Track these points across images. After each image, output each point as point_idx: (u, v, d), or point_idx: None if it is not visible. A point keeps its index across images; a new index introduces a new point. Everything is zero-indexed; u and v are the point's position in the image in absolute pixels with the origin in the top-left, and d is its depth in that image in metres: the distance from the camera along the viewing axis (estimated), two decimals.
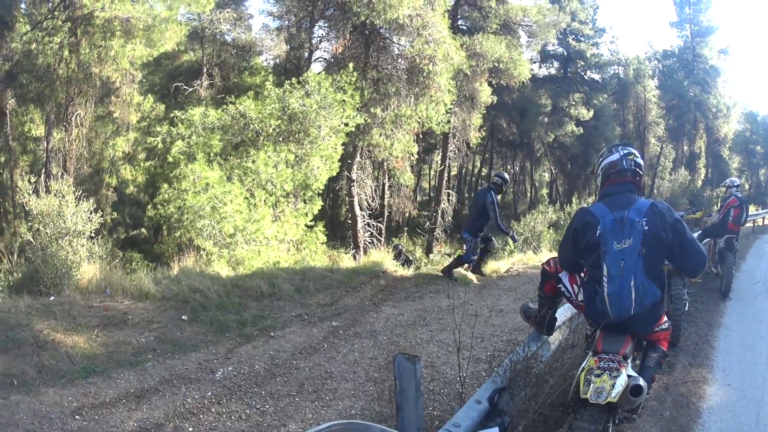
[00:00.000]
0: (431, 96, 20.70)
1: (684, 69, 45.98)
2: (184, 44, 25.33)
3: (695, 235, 9.75)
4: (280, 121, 16.32)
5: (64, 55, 16.67)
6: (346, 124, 17.36)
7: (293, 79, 17.26)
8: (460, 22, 29.98)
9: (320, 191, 17.88)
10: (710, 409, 5.92)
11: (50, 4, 19.00)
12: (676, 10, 46.80)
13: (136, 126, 24.26)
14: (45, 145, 19.58)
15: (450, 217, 31.36)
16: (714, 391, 6.41)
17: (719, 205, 12.71)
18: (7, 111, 20.67)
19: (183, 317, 7.85)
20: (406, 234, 32.61)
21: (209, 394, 5.70)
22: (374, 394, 5.85)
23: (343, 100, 17.19)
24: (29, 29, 18.04)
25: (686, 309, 8.03)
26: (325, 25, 24.28)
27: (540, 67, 44.02)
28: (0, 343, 5.98)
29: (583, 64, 42.91)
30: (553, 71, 44.69)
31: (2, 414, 4.83)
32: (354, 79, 17.85)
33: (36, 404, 5.08)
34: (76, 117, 17.98)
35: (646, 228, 4.09)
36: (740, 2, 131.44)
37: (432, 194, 41.70)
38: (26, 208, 10.93)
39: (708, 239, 11.98)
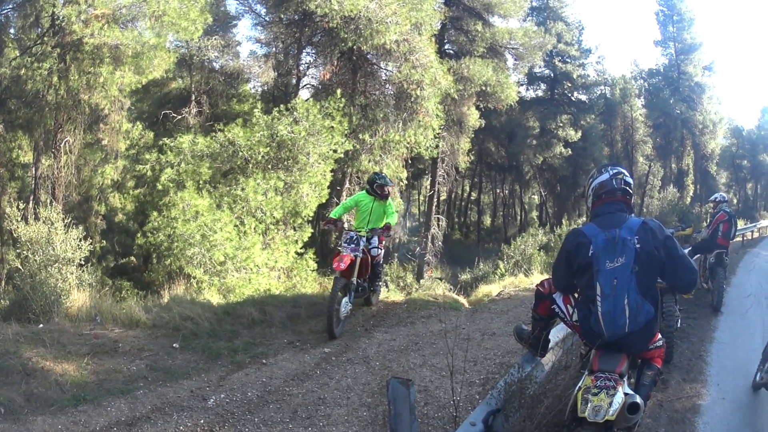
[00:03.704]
0: (419, 121, 20.74)
1: (669, 87, 46.50)
2: (172, 71, 25.24)
3: (685, 251, 9.79)
4: (268, 149, 16.31)
5: (53, 81, 16.62)
6: (335, 151, 17.34)
7: (281, 106, 17.22)
8: (446, 47, 30.26)
9: (310, 218, 17.86)
10: (706, 424, 5.92)
11: (39, 29, 18.95)
12: (660, 28, 47.41)
13: (124, 153, 24.20)
14: (33, 172, 19.45)
15: (440, 242, 31.33)
16: (709, 405, 6.41)
17: (708, 220, 12.77)
18: None
19: (174, 345, 7.80)
20: (396, 260, 32.52)
21: (202, 421, 5.64)
22: (368, 419, 5.80)
23: (332, 127, 17.21)
24: (18, 55, 18.00)
25: (678, 325, 8.04)
26: (313, 51, 24.44)
27: (527, 89, 44.39)
28: None
29: (569, 85, 43.40)
30: (540, 93, 45.15)
31: None
32: (342, 105, 17.89)
33: None
34: (64, 144, 17.89)
35: (638, 246, 4.11)
36: (723, 18, 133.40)
37: (422, 219, 41.71)
38: (14, 235, 10.86)
39: (698, 255, 12.01)
